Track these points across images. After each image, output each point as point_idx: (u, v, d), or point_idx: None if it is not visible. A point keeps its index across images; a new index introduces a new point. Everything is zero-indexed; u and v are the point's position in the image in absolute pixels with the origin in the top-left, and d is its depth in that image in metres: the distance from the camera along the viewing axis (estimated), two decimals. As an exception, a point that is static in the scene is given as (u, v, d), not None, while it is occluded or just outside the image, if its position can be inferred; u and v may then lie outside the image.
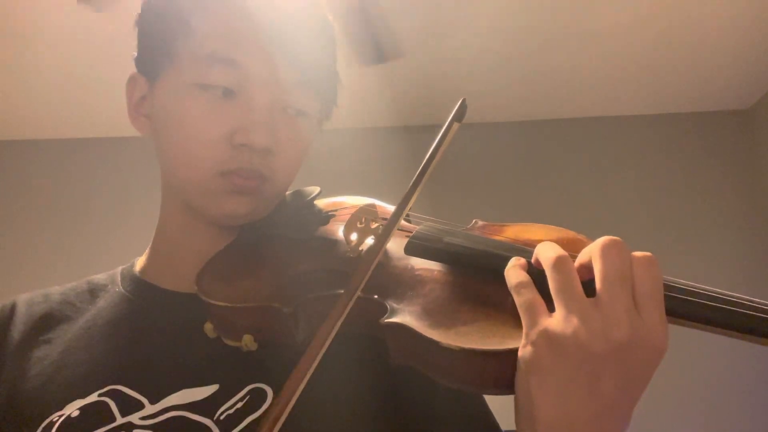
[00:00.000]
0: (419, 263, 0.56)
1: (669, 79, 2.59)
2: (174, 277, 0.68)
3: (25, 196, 2.81)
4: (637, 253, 0.43)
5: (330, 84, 0.69)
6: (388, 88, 2.57)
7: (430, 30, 2.23)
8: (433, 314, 0.49)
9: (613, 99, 2.74)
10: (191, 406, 0.56)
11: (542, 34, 2.27)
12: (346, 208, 0.70)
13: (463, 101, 0.54)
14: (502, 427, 0.64)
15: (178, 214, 0.69)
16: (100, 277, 0.72)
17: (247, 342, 0.56)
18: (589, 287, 0.43)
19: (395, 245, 0.59)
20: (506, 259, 0.48)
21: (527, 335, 0.43)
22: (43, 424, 0.56)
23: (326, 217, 0.67)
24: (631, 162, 2.80)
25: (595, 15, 2.18)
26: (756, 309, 0.42)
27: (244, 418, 0.55)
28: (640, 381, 0.42)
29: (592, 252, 0.44)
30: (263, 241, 0.66)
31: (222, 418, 0.55)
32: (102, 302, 0.68)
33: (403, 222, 0.62)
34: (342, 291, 0.49)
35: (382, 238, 0.52)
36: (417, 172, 0.53)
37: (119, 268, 0.73)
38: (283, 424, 0.43)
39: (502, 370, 0.44)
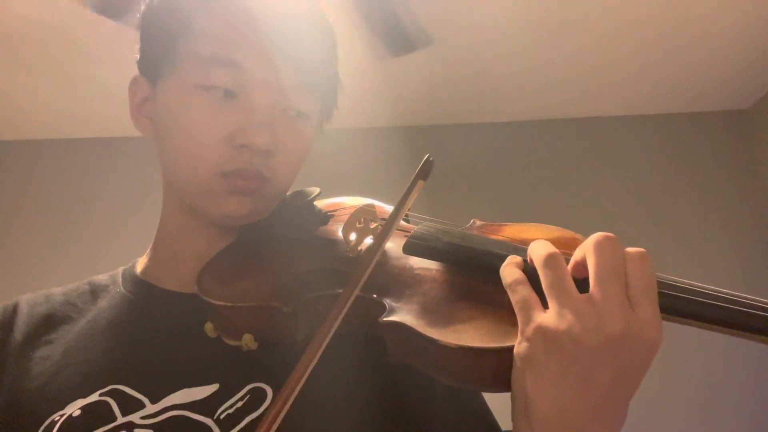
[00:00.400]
0: (418, 262, 0.56)
1: (668, 79, 2.59)
2: (175, 277, 0.68)
3: (25, 196, 2.81)
4: (631, 249, 0.44)
5: (330, 85, 0.70)
6: (389, 88, 2.57)
7: (429, 30, 2.23)
8: (431, 313, 0.49)
9: (612, 99, 2.74)
10: (192, 406, 0.56)
11: (542, 34, 2.27)
12: (345, 208, 0.71)
13: (428, 158, 0.53)
14: (502, 426, 0.64)
15: (179, 215, 0.69)
16: (101, 278, 0.73)
17: (248, 341, 0.56)
18: (584, 285, 0.43)
19: (394, 245, 0.60)
20: (503, 258, 0.49)
21: (522, 332, 0.43)
22: (45, 424, 0.56)
23: (326, 217, 0.68)
24: (630, 162, 2.79)
25: (595, 15, 2.18)
26: (754, 306, 0.43)
27: (244, 418, 0.55)
28: (635, 375, 0.42)
29: (585, 248, 0.44)
30: (263, 241, 0.67)
31: (222, 417, 0.55)
32: (103, 303, 0.68)
33: (401, 222, 0.62)
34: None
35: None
36: (384, 226, 0.53)
37: (120, 269, 0.74)
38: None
39: (499, 367, 0.45)
